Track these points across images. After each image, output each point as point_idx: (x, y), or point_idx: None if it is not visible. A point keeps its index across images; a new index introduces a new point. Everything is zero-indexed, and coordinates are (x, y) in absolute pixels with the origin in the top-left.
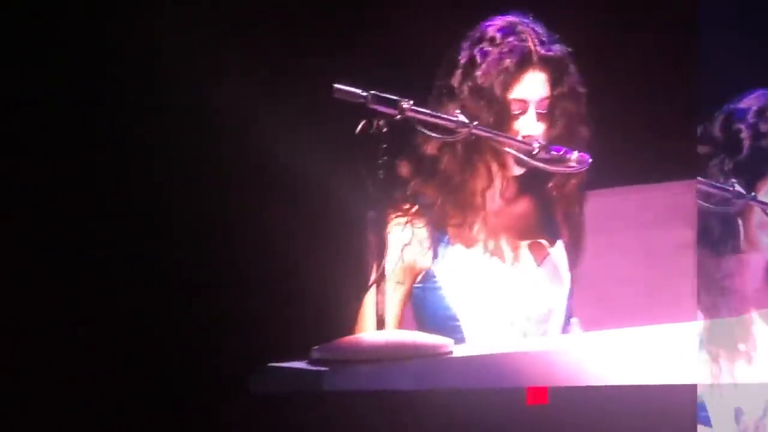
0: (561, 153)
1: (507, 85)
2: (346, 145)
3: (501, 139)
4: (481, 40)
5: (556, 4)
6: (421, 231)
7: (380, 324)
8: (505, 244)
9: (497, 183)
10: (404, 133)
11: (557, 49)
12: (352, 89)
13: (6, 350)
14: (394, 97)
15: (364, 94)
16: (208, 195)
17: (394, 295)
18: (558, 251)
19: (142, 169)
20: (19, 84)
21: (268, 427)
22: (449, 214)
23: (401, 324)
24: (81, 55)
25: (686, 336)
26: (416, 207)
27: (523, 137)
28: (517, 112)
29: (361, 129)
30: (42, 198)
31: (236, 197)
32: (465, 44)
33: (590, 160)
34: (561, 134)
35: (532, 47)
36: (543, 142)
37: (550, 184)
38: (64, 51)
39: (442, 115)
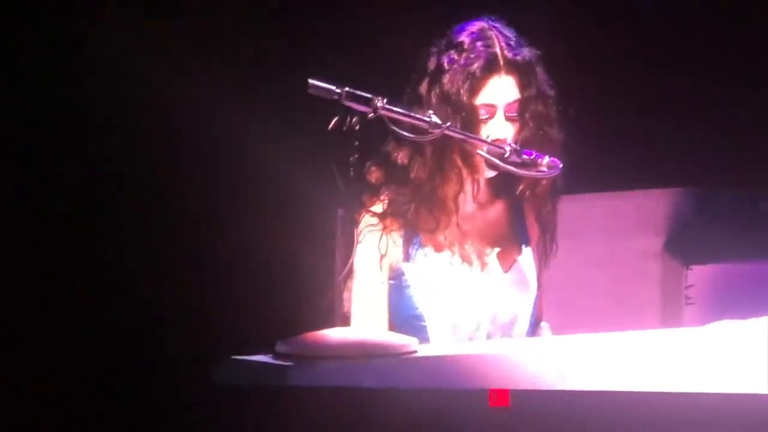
0: (532, 157)
1: (473, 91)
2: (317, 142)
3: (473, 141)
4: (449, 47)
5: (532, 6)
6: (394, 232)
7: (345, 321)
8: (474, 250)
9: (468, 187)
10: (378, 132)
11: (525, 52)
12: (327, 85)
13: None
14: (368, 95)
15: (338, 90)
16: (173, 189)
17: (379, 291)
18: (526, 257)
19: (110, 167)
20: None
21: (231, 420)
22: (421, 218)
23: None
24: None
25: (649, 343)
26: (388, 209)
27: (493, 141)
28: (485, 117)
29: (334, 125)
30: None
31: (203, 191)
32: (434, 51)
33: (561, 165)
34: (531, 136)
35: (499, 52)
36: (514, 146)
37: (521, 188)
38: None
39: (415, 115)
